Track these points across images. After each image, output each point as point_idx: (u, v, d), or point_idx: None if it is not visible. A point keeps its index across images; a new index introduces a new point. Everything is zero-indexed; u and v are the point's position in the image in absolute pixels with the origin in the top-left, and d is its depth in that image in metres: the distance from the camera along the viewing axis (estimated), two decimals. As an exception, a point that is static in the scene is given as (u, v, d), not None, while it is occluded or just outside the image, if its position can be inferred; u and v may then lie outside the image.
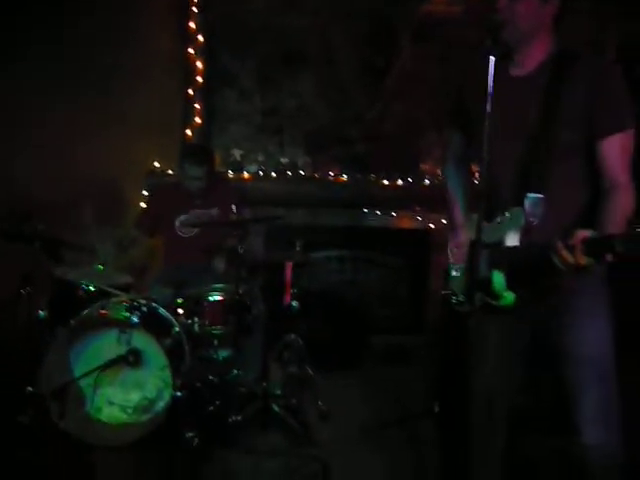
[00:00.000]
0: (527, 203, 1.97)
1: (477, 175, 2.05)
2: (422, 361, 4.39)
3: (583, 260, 1.64)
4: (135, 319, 3.01)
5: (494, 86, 1.81)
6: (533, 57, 2.07)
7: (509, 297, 1.95)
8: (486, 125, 1.80)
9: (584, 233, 1.65)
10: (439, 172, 4.92)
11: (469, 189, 2.45)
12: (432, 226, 4.94)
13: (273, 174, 4.74)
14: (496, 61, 1.81)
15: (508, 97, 2.02)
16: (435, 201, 4.76)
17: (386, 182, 4.86)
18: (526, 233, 1.96)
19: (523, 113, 2.05)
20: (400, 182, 4.88)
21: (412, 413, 3.56)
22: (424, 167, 5.01)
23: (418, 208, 4.92)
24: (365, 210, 4.87)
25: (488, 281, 1.97)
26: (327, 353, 4.13)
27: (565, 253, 1.66)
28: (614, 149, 1.96)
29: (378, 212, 4.89)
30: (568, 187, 2.03)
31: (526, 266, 1.92)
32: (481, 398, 2.26)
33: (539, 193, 1.97)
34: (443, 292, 2.35)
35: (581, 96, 1.96)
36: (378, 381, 4.11)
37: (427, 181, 4.93)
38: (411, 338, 4.83)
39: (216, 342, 3.44)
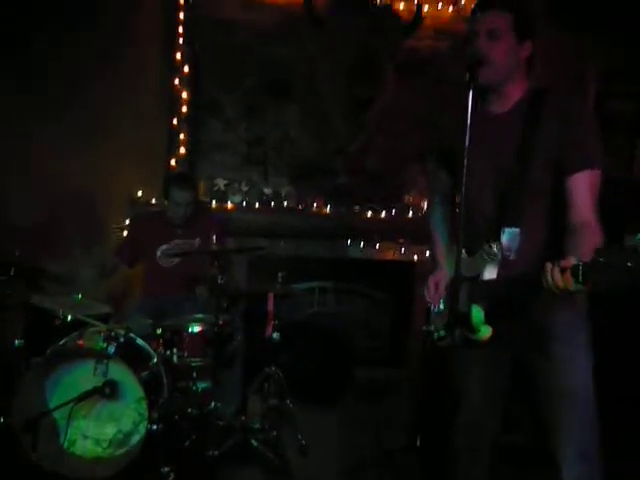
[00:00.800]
0: (504, 237, 2.00)
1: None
2: (405, 395, 4.34)
3: (572, 285, 1.64)
4: (112, 350, 2.96)
5: (474, 124, 1.85)
6: (510, 96, 2.13)
7: (486, 331, 1.95)
8: (465, 160, 1.82)
9: (573, 258, 1.65)
10: (423, 204, 4.93)
11: (451, 226, 2.47)
12: (416, 258, 4.93)
13: (257, 204, 4.72)
14: (476, 99, 1.83)
15: (487, 134, 2.08)
16: (419, 233, 4.76)
17: (370, 214, 4.85)
18: (503, 267, 1.97)
19: (500, 150, 2.09)
20: (384, 214, 4.87)
21: (394, 447, 3.51)
22: (408, 199, 5.01)
23: (402, 240, 4.91)
24: (349, 242, 4.85)
25: (467, 315, 1.97)
26: (308, 386, 4.09)
27: (557, 275, 1.67)
28: (581, 186, 1.99)
29: (362, 244, 4.87)
30: (541, 222, 2.07)
31: (505, 299, 1.93)
32: (463, 432, 2.26)
33: (515, 227, 1.99)
34: (424, 328, 2.36)
35: (553, 135, 2.01)
36: (360, 414, 4.06)
37: (411, 213, 4.92)
38: (394, 371, 4.78)
39: (195, 374, 3.38)
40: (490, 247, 2.01)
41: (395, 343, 5.03)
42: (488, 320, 1.95)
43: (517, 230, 2.00)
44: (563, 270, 1.65)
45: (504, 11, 2.05)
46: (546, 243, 2.05)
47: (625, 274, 1.42)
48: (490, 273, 1.98)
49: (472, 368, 2.21)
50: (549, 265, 1.69)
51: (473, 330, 1.97)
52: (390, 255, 4.92)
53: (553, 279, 1.67)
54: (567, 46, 4.80)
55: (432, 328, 2.29)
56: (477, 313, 1.96)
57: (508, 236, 2.00)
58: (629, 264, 1.42)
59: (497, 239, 2.01)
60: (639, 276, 1.40)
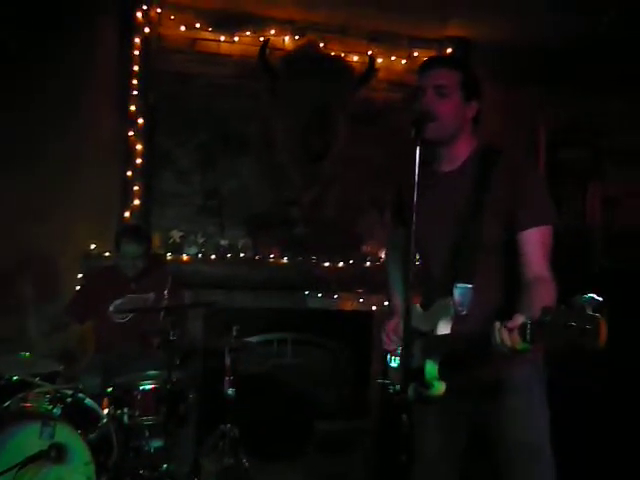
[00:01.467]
0: (456, 293, 1.99)
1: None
2: (365, 448, 4.27)
3: (518, 344, 1.63)
4: (58, 412, 2.85)
5: (427, 180, 1.89)
6: (458, 154, 2.16)
7: (439, 387, 1.93)
8: (413, 216, 1.83)
9: (521, 317, 1.64)
10: (380, 253, 4.94)
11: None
12: (374, 308, 4.91)
13: (213, 256, 4.67)
14: (426, 156, 1.85)
15: (438, 191, 2.11)
16: (377, 282, 4.76)
17: (327, 264, 4.83)
18: (456, 322, 1.96)
19: (452, 207, 2.11)
20: (341, 264, 4.87)
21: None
22: (365, 249, 5.02)
23: (360, 290, 4.89)
24: (306, 292, 4.81)
25: (421, 370, 1.95)
26: (267, 442, 4.00)
27: (505, 335, 1.65)
28: (534, 242, 2.00)
29: (319, 294, 4.84)
30: (494, 279, 2.08)
31: (459, 354, 1.92)
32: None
33: (468, 283, 1.99)
34: (379, 381, 2.34)
35: (503, 193, 2.02)
36: (319, 471, 3.98)
37: (368, 262, 4.92)
38: (354, 423, 4.71)
39: (147, 433, 3.28)
40: (443, 302, 2.00)
41: (354, 394, 4.96)
42: (442, 375, 1.94)
43: (469, 286, 2.00)
44: (510, 329, 1.63)
45: (452, 69, 2.10)
46: (499, 300, 2.05)
47: (571, 333, 1.42)
48: (444, 328, 1.97)
49: (428, 420, 2.19)
50: (497, 324, 1.68)
51: (426, 386, 1.94)
52: (349, 305, 4.90)
53: (501, 338, 1.66)
54: (517, 97, 4.93)
55: (388, 381, 2.27)
56: (431, 368, 1.94)
57: (460, 291, 2.00)
58: (573, 323, 1.41)
59: (450, 294, 2.00)
60: (584, 336, 1.39)
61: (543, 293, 1.90)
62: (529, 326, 1.57)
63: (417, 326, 2.03)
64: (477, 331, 1.80)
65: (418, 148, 1.87)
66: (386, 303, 4.66)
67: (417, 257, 2.36)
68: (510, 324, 1.64)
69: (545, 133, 5.11)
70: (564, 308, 1.46)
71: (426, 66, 2.15)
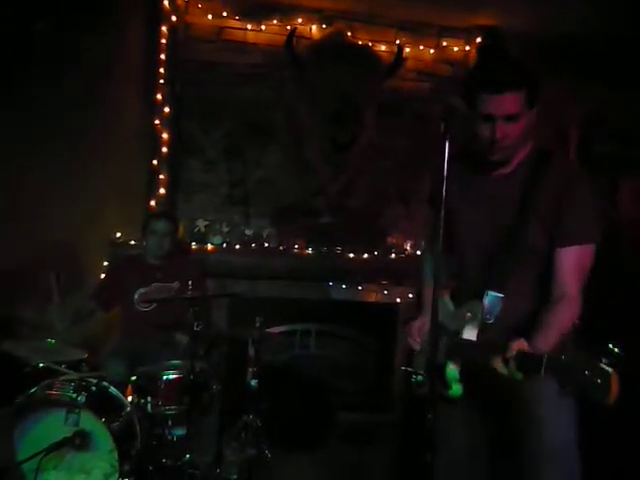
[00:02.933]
0: (486, 300, 1.95)
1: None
2: (388, 442, 4.25)
3: (516, 374, 1.65)
4: (83, 399, 2.87)
5: (475, 179, 1.91)
6: (514, 157, 2.07)
7: (457, 389, 1.90)
8: (442, 211, 1.80)
9: (519, 345, 1.64)
10: (406, 245, 4.90)
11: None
12: (399, 300, 4.87)
13: (237, 246, 4.66)
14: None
15: (487, 192, 2.03)
16: (402, 274, 4.73)
17: (352, 255, 4.80)
18: (482, 330, 1.92)
19: (498, 209, 2.05)
20: (366, 255, 4.83)
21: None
22: (391, 240, 4.98)
23: (384, 281, 4.86)
24: (330, 283, 4.79)
25: (442, 369, 1.92)
26: (289, 433, 3.99)
27: (500, 367, 1.67)
28: (569, 261, 1.95)
29: (344, 285, 4.81)
30: (526, 289, 2.03)
31: (482, 362, 1.88)
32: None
33: (500, 291, 1.94)
34: (403, 368, 2.30)
35: (551, 201, 1.96)
36: (342, 463, 3.96)
37: (394, 254, 4.88)
38: (378, 416, 4.70)
39: (170, 422, 3.29)
40: (473, 306, 1.98)
41: (378, 386, 4.94)
42: (462, 378, 1.91)
43: (500, 295, 1.96)
44: (507, 361, 1.64)
45: (519, 90, 1.95)
46: (528, 311, 2.00)
47: (580, 381, 1.39)
48: (470, 333, 1.94)
49: (452, 415, 2.14)
50: (494, 357, 1.69)
51: (446, 386, 1.92)
52: (373, 297, 4.87)
53: (497, 370, 1.68)
54: (548, 89, 4.83)
55: (411, 369, 2.24)
56: (451, 370, 1.91)
57: (490, 299, 1.96)
58: (586, 372, 1.38)
59: (480, 298, 1.96)
60: (593, 389, 1.36)
61: (563, 316, 1.89)
62: (525, 359, 1.58)
63: (445, 322, 2.00)
64: (500, 341, 1.77)
65: (447, 139, 1.80)
66: (411, 295, 4.68)
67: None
68: (507, 354, 1.64)
69: (577, 127, 5.01)
70: (584, 355, 1.43)
71: (491, 89, 1.94)
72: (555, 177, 1.98)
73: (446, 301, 2.11)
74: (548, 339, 1.81)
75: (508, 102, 1.92)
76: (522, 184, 2.01)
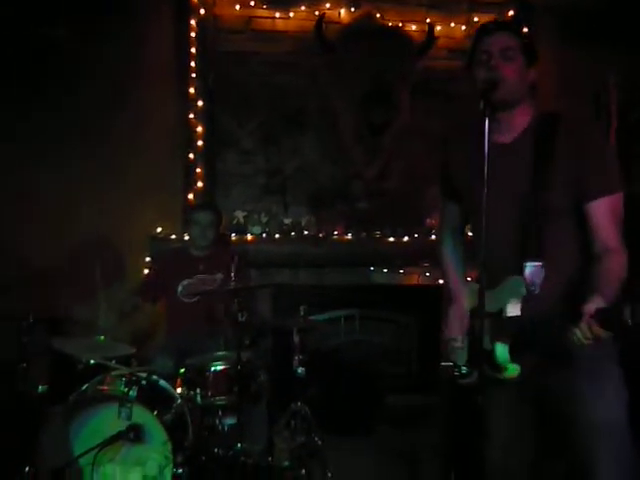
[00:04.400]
0: (527, 271, 1.92)
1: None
2: (437, 423, 4.23)
3: (601, 332, 1.61)
4: (134, 394, 2.91)
5: (479, 154, 1.80)
6: (517, 123, 2.07)
7: (514, 369, 1.88)
8: (484, 190, 1.76)
9: (591, 307, 1.59)
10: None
11: (464, 257, 2.42)
12: (441, 281, 4.82)
13: (277, 235, 4.68)
14: (480, 127, 1.77)
15: (495, 164, 1.98)
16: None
17: (392, 238, 4.78)
18: (528, 302, 1.89)
19: (512, 180, 2.03)
20: (406, 238, 4.81)
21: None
22: (430, 222, 4.93)
23: (426, 264, 4.82)
24: (372, 268, 4.78)
25: (490, 353, 1.89)
26: (337, 419, 4.01)
27: (583, 332, 1.64)
28: (603, 212, 1.93)
29: (385, 269, 4.79)
30: (563, 252, 2.00)
31: (531, 335, 1.85)
32: (495, 471, 2.16)
33: (537, 260, 1.91)
34: (442, 364, 2.27)
35: (569, 160, 1.94)
36: (390, 447, 3.95)
37: (434, 236, 4.84)
38: (424, 397, 4.67)
39: (220, 412, 3.32)
40: (511, 282, 1.94)
41: (424, 368, 4.92)
42: (514, 357, 1.88)
43: (540, 264, 1.93)
44: (588, 325, 1.61)
45: (513, 34, 2.04)
46: (571, 274, 1.98)
47: None
48: (514, 309, 1.90)
49: (497, 407, 2.11)
50: (576, 326, 1.66)
51: (499, 369, 1.90)
52: (415, 280, 4.84)
53: (583, 335, 1.64)
54: (585, 59, 4.72)
55: (452, 364, 2.21)
56: (502, 351, 1.89)
57: (531, 270, 1.93)
58: None
59: (520, 273, 1.93)
60: None
61: (615, 266, 1.85)
62: (608, 315, 1.53)
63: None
64: (551, 310, 1.75)
65: (487, 118, 1.78)
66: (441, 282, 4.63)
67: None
68: (587, 319, 1.61)
69: (615, 94, 4.89)
70: None
71: (489, 30, 2.07)
72: (568, 134, 1.96)
73: (474, 285, 2.08)
74: (612, 290, 1.78)
75: (502, 38, 2.02)
76: (534, 150, 1.99)
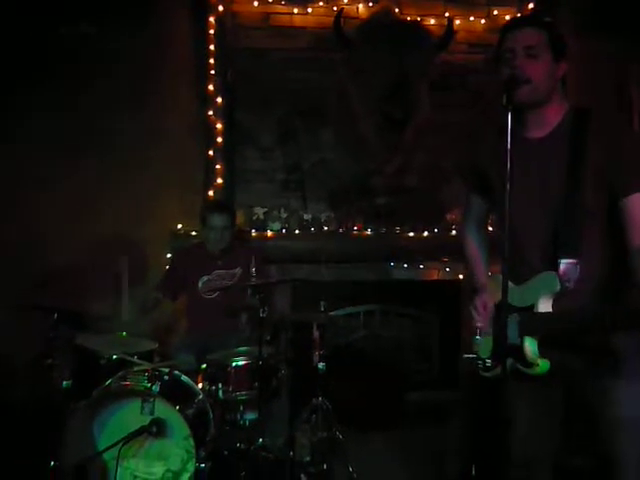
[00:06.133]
0: (562, 268, 1.91)
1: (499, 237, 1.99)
2: (458, 418, 4.22)
3: None
4: (156, 389, 2.94)
5: (515, 148, 1.77)
6: (549, 119, 2.05)
7: (545, 366, 1.87)
8: (508, 185, 1.74)
9: None
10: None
11: (488, 250, 2.41)
12: (461, 277, 4.82)
13: (296, 231, 4.69)
14: (514, 121, 1.76)
15: (527, 160, 1.98)
16: (463, 251, 4.67)
17: (412, 234, 4.78)
18: (560, 298, 1.88)
19: (545, 176, 2.01)
20: (426, 233, 4.80)
21: (448, 478, 3.40)
22: (450, 217, 4.92)
23: (446, 259, 4.81)
24: (392, 263, 4.77)
25: (518, 348, 1.89)
26: (358, 414, 4.01)
27: None
28: (637, 207, 1.89)
29: (405, 265, 4.79)
30: (598, 249, 1.98)
31: (561, 332, 1.85)
32: (519, 465, 2.16)
33: (572, 256, 1.90)
34: (465, 356, 2.27)
35: (601, 156, 1.92)
36: (412, 442, 3.96)
37: (454, 231, 4.83)
38: (445, 393, 4.67)
39: (242, 407, 3.34)
40: (543, 277, 1.94)
41: (445, 364, 4.92)
42: (543, 353, 1.87)
43: (575, 260, 1.92)
44: None
45: (539, 29, 1.99)
46: (605, 271, 1.98)
47: None
48: (545, 305, 1.90)
49: (522, 400, 2.12)
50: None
51: (529, 365, 1.90)
52: (435, 275, 4.84)
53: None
54: (607, 51, 4.67)
55: (475, 356, 2.21)
56: (532, 347, 1.88)
57: (565, 266, 1.92)
58: None
59: (554, 269, 1.93)
60: None
61: None
62: None
63: (510, 302, 1.96)
64: (584, 306, 1.73)
65: (510, 114, 1.77)
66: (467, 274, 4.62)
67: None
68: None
69: (638, 88, 4.84)
70: None
71: (512, 26, 2.03)
72: (599, 130, 1.94)
73: (500, 277, 2.06)
74: None
75: (527, 34, 1.98)
76: (567, 146, 1.97)
